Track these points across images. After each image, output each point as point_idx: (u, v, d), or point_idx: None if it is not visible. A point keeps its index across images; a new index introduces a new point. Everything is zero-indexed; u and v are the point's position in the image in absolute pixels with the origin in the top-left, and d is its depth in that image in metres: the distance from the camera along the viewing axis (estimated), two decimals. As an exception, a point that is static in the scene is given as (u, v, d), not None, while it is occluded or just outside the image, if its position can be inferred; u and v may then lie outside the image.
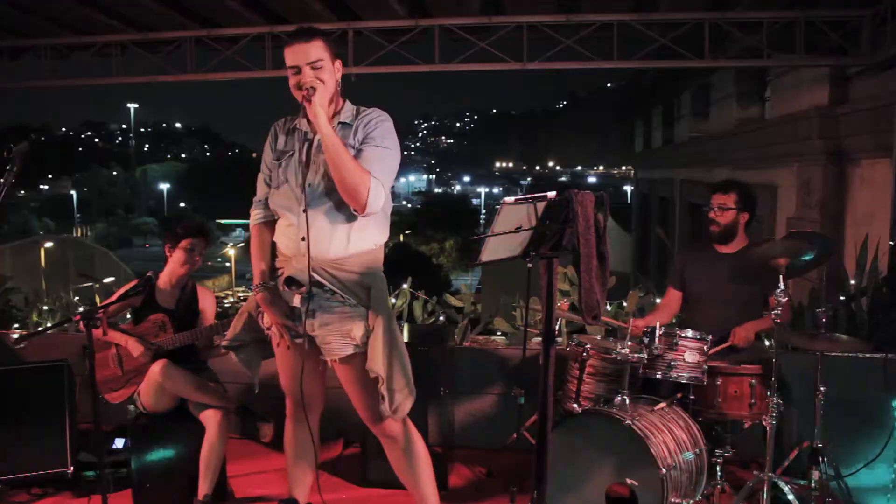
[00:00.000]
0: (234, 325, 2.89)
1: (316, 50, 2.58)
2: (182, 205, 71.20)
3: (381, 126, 2.65)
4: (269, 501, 3.62)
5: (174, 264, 3.62)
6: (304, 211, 2.61)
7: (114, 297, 3.47)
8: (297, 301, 2.67)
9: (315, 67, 2.57)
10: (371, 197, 2.53)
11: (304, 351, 2.74)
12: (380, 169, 2.57)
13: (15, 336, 4.53)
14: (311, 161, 2.64)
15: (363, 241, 2.66)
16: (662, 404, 3.30)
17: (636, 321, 3.79)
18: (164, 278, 3.65)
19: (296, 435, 2.98)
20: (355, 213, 2.57)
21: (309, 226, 2.59)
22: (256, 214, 2.87)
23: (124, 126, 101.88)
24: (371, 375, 2.63)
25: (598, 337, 3.87)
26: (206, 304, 3.73)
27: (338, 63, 2.65)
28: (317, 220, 2.61)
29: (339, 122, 2.67)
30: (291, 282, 2.67)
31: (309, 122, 2.68)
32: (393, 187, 2.80)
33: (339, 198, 2.58)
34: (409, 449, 2.84)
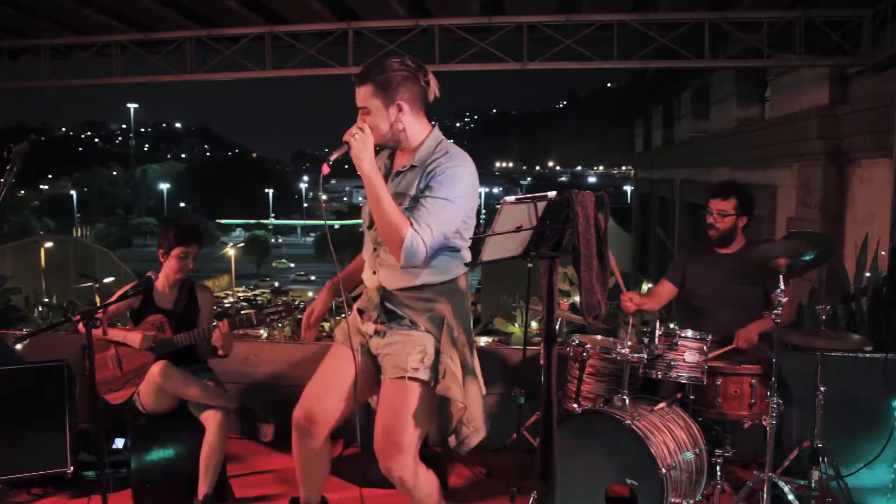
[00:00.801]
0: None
1: (363, 95, 2.56)
2: (182, 205, 71.24)
3: (443, 174, 2.53)
4: (269, 501, 3.62)
5: (168, 270, 3.62)
6: (375, 249, 2.67)
7: (113, 298, 3.47)
8: (367, 327, 2.73)
9: (364, 112, 2.56)
10: (405, 248, 2.45)
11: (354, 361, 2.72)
12: (425, 221, 2.47)
13: (15, 336, 4.53)
14: None
15: (433, 275, 2.61)
16: (662, 404, 3.29)
17: (632, 294, 3.78)
18: (161, 281, 3.64)
19: (301, 446, 2.89)
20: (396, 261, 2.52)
21: (379, 261, 2.65)
22: None
23: (124, 126, 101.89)
24: (458, 405, 2.60)
25: (599, 337, 3.87)
26: (204, 302, 3.73)
27: (397, 104, 2.55)
28: (388, 256, 2.60)
29: (411, 165, 2.61)
30: (361, 311, 2.76)
31: (390, 157, 2.71)
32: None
33: None
34: (415, 498, 2.74)
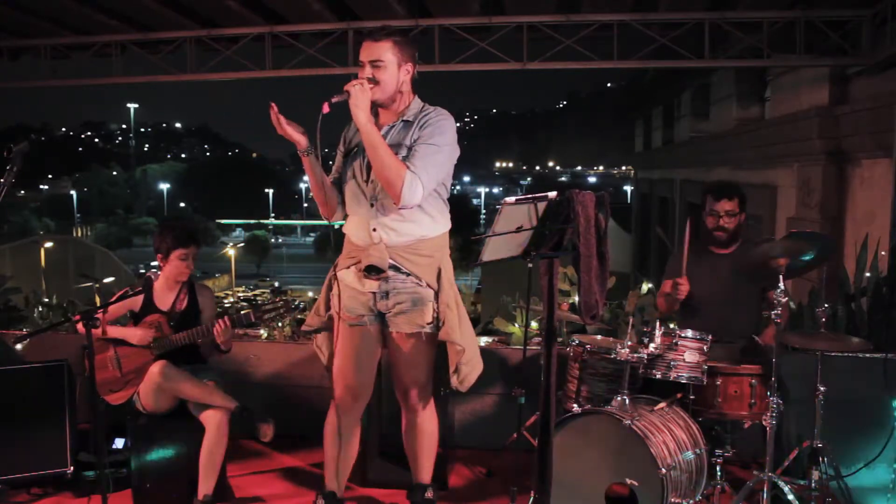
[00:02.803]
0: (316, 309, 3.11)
1: (381, 50, 2.77)
2: (182, 205, 71.22)
3: (433, 125, 2.81)
4: (269, 501, 3.62)
5: (169, 273, 3.60)
6: (372, 205, 2.83)
7: (113, 299, 3.46)
8: (374, 286, 2.88)
9: (375, 66, 2.77)
10: (404, 190, 2.67)
11: (371, 334, 2.97)
12: (421, 164, 2.71)
13: (15, 336, 4.53)
14: None
15: (431, 227, 2.87)
16: (662, 404, 3.29)
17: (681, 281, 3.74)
18: (161, 283, 3.63)
19: (341, 424, 3.06)
20: (395, 204, 2.74)
21: (381, 216, 2.82)
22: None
23: (124, 126, 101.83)
24: (457, 348, 2.89)
25: (599, 337, 3.87)
26: (206, 302, 3.73)
27: (407, 66, 2.82)
28: (387, 210, 2.81)
29: (402, 120, 2.86)
30: (371, 269, 2.85)
31: (376, 115, 2.87)
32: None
33: None
34: (424, 424, 3.07)
